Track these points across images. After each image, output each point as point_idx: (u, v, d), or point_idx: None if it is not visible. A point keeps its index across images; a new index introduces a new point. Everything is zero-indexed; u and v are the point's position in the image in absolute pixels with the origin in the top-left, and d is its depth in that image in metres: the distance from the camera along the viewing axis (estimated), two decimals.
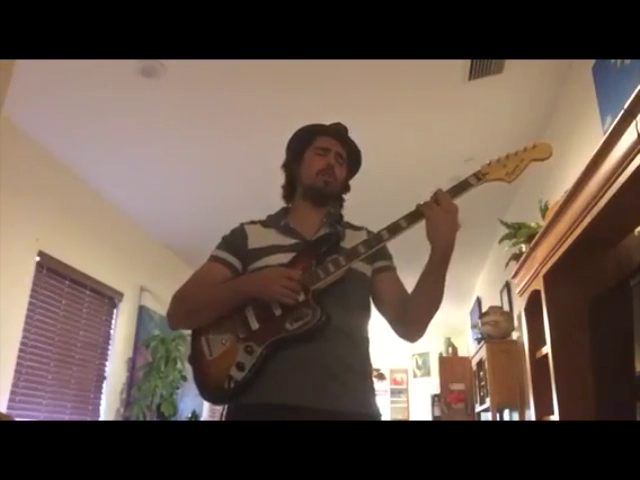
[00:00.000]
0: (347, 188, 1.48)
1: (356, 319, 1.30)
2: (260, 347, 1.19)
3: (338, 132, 1.44)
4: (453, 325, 7.54)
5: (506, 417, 3.84)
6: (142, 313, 4.66)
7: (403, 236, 1.25)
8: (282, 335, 1.19)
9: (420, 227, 1.23)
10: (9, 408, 3.06)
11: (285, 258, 1.27)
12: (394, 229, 1.23)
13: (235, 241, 1.36)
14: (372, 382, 1.32)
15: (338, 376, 1.19)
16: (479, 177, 1.24)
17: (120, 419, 4.23)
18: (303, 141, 1.44)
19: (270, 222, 1.41)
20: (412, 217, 1.22)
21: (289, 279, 1.19)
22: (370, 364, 1.32)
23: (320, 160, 1.39)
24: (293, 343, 1.19)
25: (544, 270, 2.10)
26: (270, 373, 1.18)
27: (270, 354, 1.19)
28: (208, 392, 1.25)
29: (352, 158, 1.46)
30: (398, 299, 1.32)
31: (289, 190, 1.47)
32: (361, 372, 1.27)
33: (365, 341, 1.31)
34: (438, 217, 1.19)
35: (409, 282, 1.30)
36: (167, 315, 1.36)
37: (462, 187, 1.23)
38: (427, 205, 1.21)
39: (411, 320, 1.30)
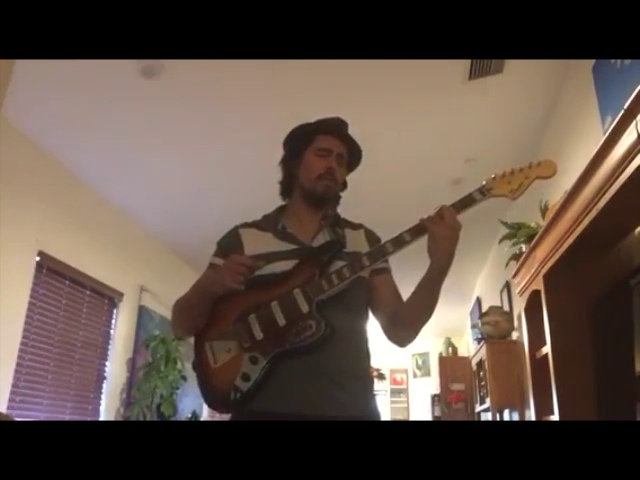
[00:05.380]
0: (344, 186, 1.47)
1: (357, 323, 1.30)
2: (265, 358, 1.19)
3: (339, 130, 1.41)
4: (453, 325, 7.54)
5: (506, 417, 3.84)
6: (142, 313, 4.66)
7: None
8: (287, 347, 1.18)
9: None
10: (9, 408, 3.06)
11: (286, 265, 1.26)
12: (398, 243, 1.22)
13: (230, 247, 1.35)
14: (373, 385, 1.32)
15: (341, 383, 1.19)
16: (483, 193, 1.24)
17: (120, 419, 4.23)
18: (303, 139, 1.40)
19: (266, 225, 1.38)
20: (416, 231, 1.22)
21: (237, 264, 1.20)
22: (370, 366, 1.32)
23: (321, 162, 1.36)
24: (297, 355, 1.19)
25: (544, 270, 2.10)
26: (274, 383, 1.18)
27: (274, 364, 1.19)
28: (214, 400, 1.25)
29: (352, 156, 1.43)
30: (392, 304, 1.33)
31: (286, 187, 1.45)
32: (362, 376, 1.27)
33: (365, 344, 1.31)
34: (441, 233, 1.18)
35: (407, 285, 1.31)
36: (171, 327, 1.40)
37: (466, 202, 1.23)
38: (431, 220, 1.20)
39: (403, 326, 1.31)
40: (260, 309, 1.22)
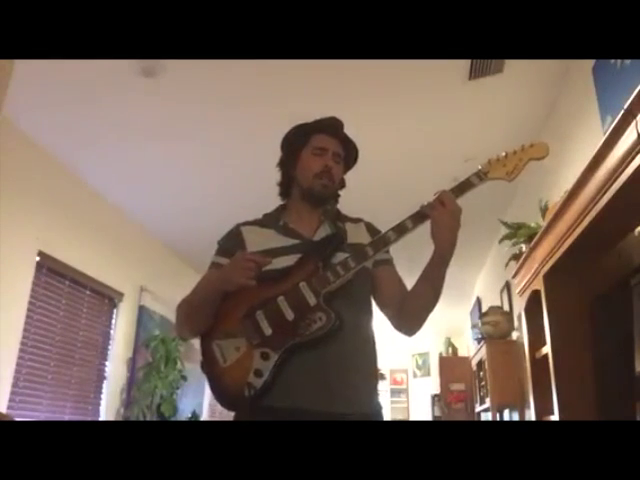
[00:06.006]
0: (343, 184, 1.47)
1: (363, 317, 1.31)
2: (276, 353, 1.18)
3: (335, 129, 1.42)
4: (453, 325, 7.54)
5: (506, 417, 3.84)
6: (142, 313, 4.66)
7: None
8: (297, 341, 1.19)
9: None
10: (9, 408, 3.06)
11: (289, 260, 1.27)
12: (400, 230, 1.23)
13: (232, 245, 1.35)
14: (377, 381, 1.33)
15: (349, 379, 1.20)
16: (481, 177, 1.26)
17: (120, 419, 4.23)
18: (299, 139, 1.42)
19: (267, 222, 1.40)
20: (417, 218, 1.23)
21: (246, 261, 1.20)
22: (376, 362, 1.33)
23: (317, 161, 1.37)
24: (308, 348, 1.19)
25: (544, 270, 2.10)
26: (286, 377, 1.18)
27: (287, 359, 1.19)
28: (227, 400, 1.24)
29: (349, 154, 1.45)
30: (397, 293, 1.34)
31: (285, 188, 1.46)
32: (369, 372, 1.28)
33: (372, 338, 1.32)
34: (443, 218, 1.20)
35: (410, 278, 1.31)
36: (175, 327, 1.39)
37: (465, 187, 1.25)
38: (432, 206, 1.22)
39: (410, 315, 1.32)
40: (267, 305, 1.22)
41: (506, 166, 1.26)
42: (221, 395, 1.24)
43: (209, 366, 1.25)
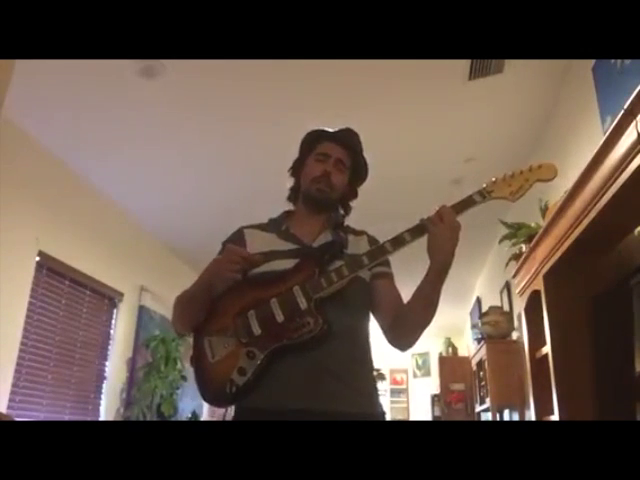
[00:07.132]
0: (352, 194, 1.47)
1: (356, 322, 1.30)
2: (262, 353, 1.19)
3: (343, 138, 1.42)
4: (453, 325, 7.55)
5: (506, 417, 3.85)
6: (142, 313, 4.66)
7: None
8: (284, 343, 1.19)
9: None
10: (9, 408, 3.06)
11: (287, 264, 1.27)
12: (398, 242, 1.23)
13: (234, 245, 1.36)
14: (375, 382, 1.33)
15: (341, 378, 1.20)
16: (484, 195, 1.26)
17: (120, 419, 4.23)
18: (308, 145, 1.43)
19: (270, 226, 1.41)
20: (416, 231, 1.23)
21: (234, 254, 1.23)
22: (372, 364, 1.32)
23: (318, 166, 1.38)
24: (295, 350, 1.19)
25: (544, 270, 2.10)
26: (272, 378, 1.18)
27: (272, 360, 1.19)
28: (209, 394, 1.26)
29: (356, 164, 1.44)
30: (393, 308, 1.32)
31: (294, 193, 1.47)
32: (363, 373, 1.28)
33: (366, 342, 1.32)
34: (441, 233, 1.19)
35: (407, 290, 1.31)
36: (171, 321, 1.40)
37: (466, 204, 1.24)
38: (431, 220, 1.21)
39: (403, 330, 1.31)
40: (259, 305, 1.23)
41: (511, 186, 1.26)
42: (204, 389, 1.26)
43: (197, 360, 1.27)
